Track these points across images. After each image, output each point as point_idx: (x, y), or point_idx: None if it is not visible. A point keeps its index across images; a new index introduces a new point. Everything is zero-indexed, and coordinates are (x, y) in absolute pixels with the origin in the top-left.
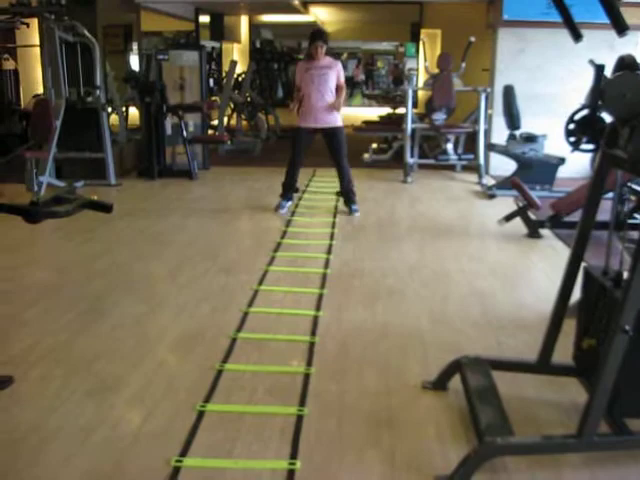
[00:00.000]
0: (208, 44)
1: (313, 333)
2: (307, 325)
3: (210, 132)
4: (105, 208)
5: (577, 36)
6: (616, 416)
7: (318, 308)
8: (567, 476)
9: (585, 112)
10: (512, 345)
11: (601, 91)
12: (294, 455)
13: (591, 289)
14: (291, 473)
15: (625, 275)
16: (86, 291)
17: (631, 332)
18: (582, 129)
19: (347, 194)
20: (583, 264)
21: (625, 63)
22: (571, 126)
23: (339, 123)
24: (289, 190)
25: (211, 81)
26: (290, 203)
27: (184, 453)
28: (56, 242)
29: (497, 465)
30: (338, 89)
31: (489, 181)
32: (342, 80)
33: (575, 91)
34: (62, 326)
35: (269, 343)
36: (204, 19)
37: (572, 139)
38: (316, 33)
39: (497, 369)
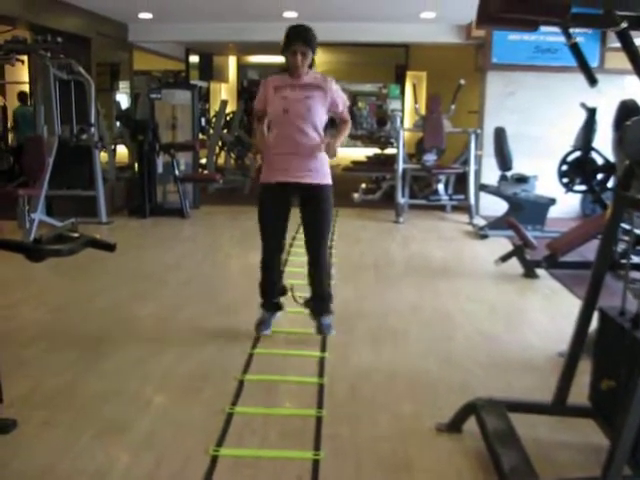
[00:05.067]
0: (197, 84)
1: (321, 375)
2: (314, 367)
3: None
4: (108, 247)
5: (592, 81)
6: (639, 458)
7: (323, 349)
8: None
9: (577, 154)
10: (522, 386)
11: (619, 135)
12: None
13: (608, 330)
14: None
15: None
16: (85, 331)
17: None
18: (575, 171)
19: (320, 299)
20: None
21: (628, 107)
22: (564, 168)
23: (327, 180)
24: (272, 295)
25: (202, 120)
26: (278, 315)
27: None
28: (51, 280)
29: None
30: (340, 122)
31: (480, 221)
32: (342, 108)
33: (564, 133)
34: (64, 367)
35: (277, 385)
36: (193, 59)
37: (565, 180)
38: (295, 30)
39: (512, 411)
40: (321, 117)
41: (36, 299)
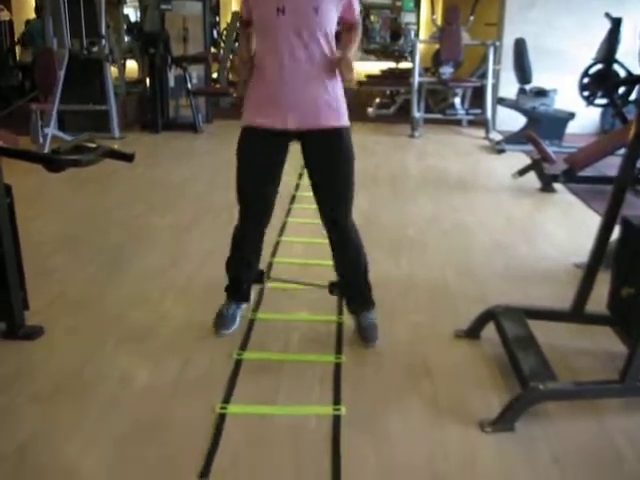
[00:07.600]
0: None
1: None
2: (332, 275)
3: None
4: (126, 157)
5: None
6: None
7: None
8: (607, 419)
9: (599, 66)
10: (538, 296)
11: None
12: (337, 401)
13: (631, 238)
14: (337, 418)
15: None
16: (105, 242)
17: None
18: (596, 84)
19: (355, 289)
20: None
21: None
22: (585, 80)
23: (344, 121)
24: (245, 279)
25: (214, 32)
26: (244, 307)
27: (227, 400)
28: (68, 193)
29: (539, 410)
30: (347, 30)
31: (496, 136)
32: (356, 10)
33: (584, 46)
34: (86, 277)
35: (298, 293)
36: None
37: (586, 94)
38: None
39: (530, 318)
40: (332, 24)
41: (55, 212)
